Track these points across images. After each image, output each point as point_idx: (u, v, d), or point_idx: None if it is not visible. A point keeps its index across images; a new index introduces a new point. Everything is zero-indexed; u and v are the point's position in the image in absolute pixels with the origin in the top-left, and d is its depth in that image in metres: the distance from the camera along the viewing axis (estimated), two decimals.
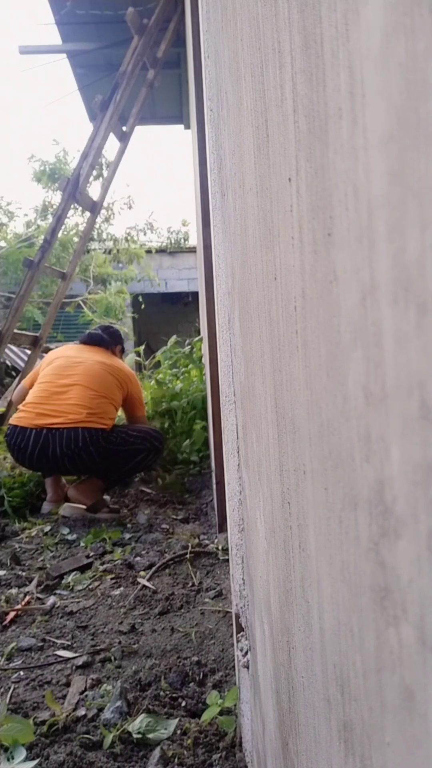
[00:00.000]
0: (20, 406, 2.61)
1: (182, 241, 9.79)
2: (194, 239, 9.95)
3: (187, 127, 5.05)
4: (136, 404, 2.81)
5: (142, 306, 8.73)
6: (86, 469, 2.53)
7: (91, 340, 2.83)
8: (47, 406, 2.48)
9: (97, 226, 8.57)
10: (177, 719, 1.09)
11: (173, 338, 3.85)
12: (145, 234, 9.66)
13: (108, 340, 2.86)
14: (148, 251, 9.19)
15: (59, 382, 2.54)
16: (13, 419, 2.54)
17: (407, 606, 0.21)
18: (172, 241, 9.76)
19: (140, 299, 8.75)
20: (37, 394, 2.55)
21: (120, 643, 1.42)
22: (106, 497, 2.74)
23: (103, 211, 8.42)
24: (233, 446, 0.92)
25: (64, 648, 1.42)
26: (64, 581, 1.84)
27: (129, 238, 9.25)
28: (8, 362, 5.05)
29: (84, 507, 2.51)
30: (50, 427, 2.42)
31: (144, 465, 2.66)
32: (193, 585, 1.75)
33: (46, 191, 8.79)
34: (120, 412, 2.84)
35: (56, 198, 8.71)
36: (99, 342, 2.82)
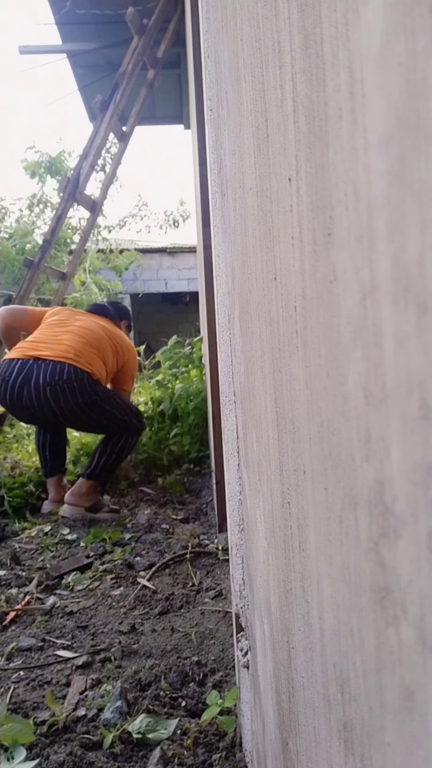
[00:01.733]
0: (15, 347, 2.66)
1: (180, 220, 9.77)
2: (191, 219, 9.96)
3: (187, 127, 5.04)
4: (126, 378, 2.85)
5: (140, 295, 8.73)
6: (67, 411, 2.45)
7: (96, 309, 2.91)
8: (40, 344, 2.55)
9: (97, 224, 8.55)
10: (177, 719, 1.09)
11: (173, 338, 3.84)
12: (141, 219, 9.65)
13: (113, 312, 2.94)
14: (146, 250, 9.17)
15: (56, 329, 2.63)
16: (6, 356, 2.60)
17: (407, 606, 0.21)
18: (171, 222, 9.75)
19: (137, 291, 8.75)
20: (34, 337, 2.62)
21: (120, 643, 1.42)
22: (106, 497, 2.74)
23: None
24: (233, 446, 0.92)
25: (64, 648, 1.42)
26: (64, 581, 1.84)
27: (123, 225, 9.24)
28: None
29: (84, 507, 2.51)
30: (37, 357, 2.47)
31: (126, 450, 2.64)
32: (193, 585, 1.75)
33: (40, 186, 8.68)
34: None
35: (47, 191, 8.67)
36: (103, 312, 2.90)
